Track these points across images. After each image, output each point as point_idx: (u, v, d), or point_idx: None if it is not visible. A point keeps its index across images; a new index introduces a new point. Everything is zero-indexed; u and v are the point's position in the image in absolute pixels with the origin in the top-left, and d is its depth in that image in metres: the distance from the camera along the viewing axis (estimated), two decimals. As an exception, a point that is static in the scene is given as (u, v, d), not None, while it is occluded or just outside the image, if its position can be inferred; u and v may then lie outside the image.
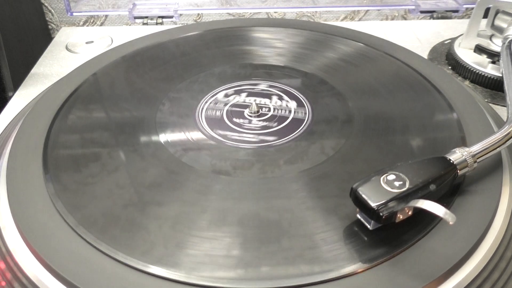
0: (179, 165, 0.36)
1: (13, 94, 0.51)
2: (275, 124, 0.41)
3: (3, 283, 0.30)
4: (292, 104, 0.43)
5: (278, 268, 0.28)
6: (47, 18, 0.87)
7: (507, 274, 0.30)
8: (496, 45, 0.52)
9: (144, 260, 0.28)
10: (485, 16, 0.52)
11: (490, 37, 0.53)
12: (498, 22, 0.51)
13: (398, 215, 0.29)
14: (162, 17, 0.67)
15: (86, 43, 0.60)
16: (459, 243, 0.29)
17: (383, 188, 0.29)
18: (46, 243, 0.30)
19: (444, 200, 0.32)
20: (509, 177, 0.35)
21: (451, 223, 0.26)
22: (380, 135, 0.39)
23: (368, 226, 0.30)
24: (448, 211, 0.26)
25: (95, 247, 0.29)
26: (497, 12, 0.51)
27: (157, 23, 0.66)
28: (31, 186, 0.34)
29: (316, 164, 0.36)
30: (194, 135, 0.39)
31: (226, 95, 0.44)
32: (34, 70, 0.55)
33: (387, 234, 0.30)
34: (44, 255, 0.29)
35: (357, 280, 0.27)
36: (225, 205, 0.33)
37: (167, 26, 0.61)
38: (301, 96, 0.44)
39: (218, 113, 0.42)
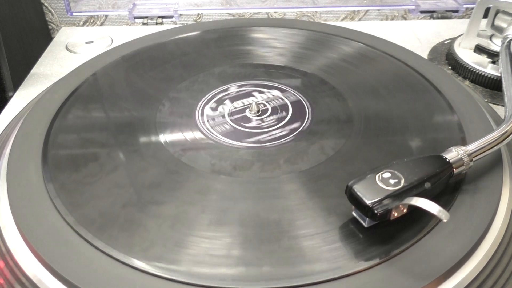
0: (178, 165, 0.36)
1: (13, 94, 0.51)
2: (284, 113, 0.41)
3: (3, 283, 0.30)
4: (276, 93, 0.44)
5: (278, 268, 0.28)
6: (47, 18, 0.87)
7: (507, 274, 0.30)
8: (496, 45, 0.52)
9: (144, 259, 0.28)
10: (485, 16, 0.52)
11: (490, 37, 0.53)
12: (498, 22, 0.51)
13: (393, 213, 0.29)
14: (162, 17, 0.67)
15: (86, 43, 0.60)
16: (459, 243, 0.29)
17: (378, 186, 0.29)
18: (46, 242, 0.30)
19: (444, 199, 0.32)
20: (509, 176, 0.35)
21: (444, 220, 0.26)
22: (380, 135, 0.39)
23: (363, 224, 0.30)
24: (441, 209, 0.26)
25: (94, 246, 0.29)
26: (497, 12, 0.51)
27: (157, 23, 0.66)
28: (31, 186, 0.34)
29: (316, 164, 0.36)
30: (195, 135, 0.39)
31: (213, 109, 0.43)
32: (34, 70, 0.55)
33: (387, 234, 0.30)
34: (44, 255, 0.29)
35: (357, 280, 0.27)
36: (225, 204, 0.33)
37: (167, 26, 0.61)
38: (278, 84, 0.45)
39: (227, 126, 0.40)
